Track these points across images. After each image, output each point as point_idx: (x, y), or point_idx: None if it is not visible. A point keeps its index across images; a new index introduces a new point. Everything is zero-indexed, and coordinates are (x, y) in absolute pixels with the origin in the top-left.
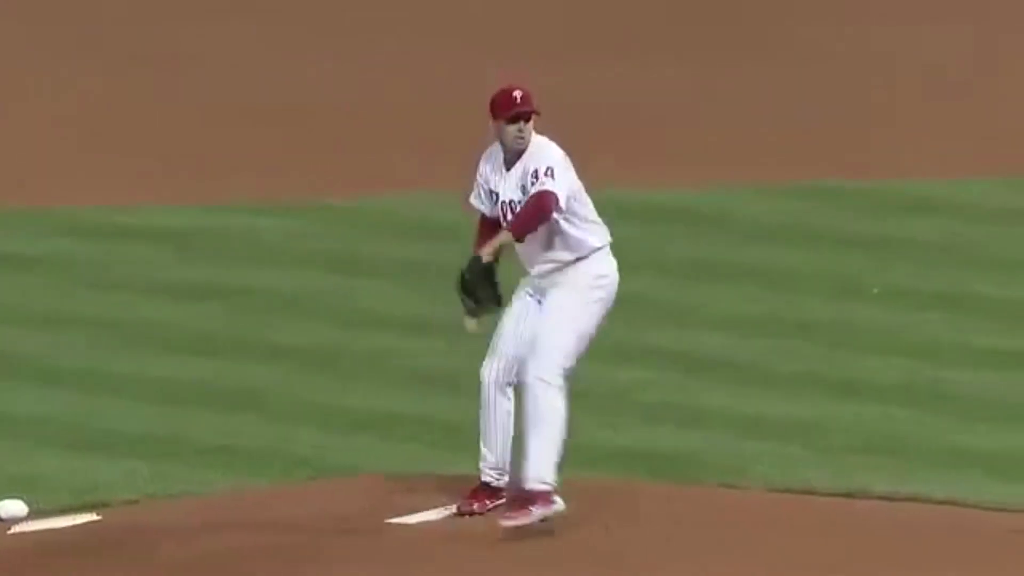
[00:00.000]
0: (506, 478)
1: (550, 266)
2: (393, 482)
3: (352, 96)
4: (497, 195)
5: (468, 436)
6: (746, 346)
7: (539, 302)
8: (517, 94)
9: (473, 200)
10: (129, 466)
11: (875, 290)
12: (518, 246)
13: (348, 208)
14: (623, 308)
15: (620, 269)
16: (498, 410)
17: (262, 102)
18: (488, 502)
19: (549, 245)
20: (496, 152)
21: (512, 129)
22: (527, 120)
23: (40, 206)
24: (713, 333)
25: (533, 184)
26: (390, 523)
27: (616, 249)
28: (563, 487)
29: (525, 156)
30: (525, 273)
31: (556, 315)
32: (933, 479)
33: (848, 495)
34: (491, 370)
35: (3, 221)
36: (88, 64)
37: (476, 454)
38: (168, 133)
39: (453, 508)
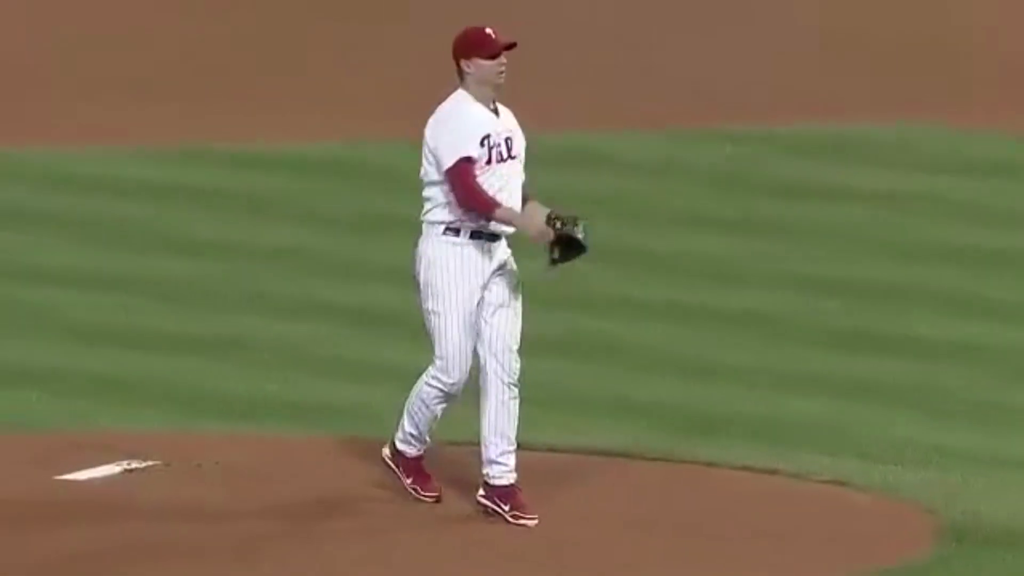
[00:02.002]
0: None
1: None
2: (59, 438)
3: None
4: (491, 137)
5: (136, 391)
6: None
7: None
8: (490, 30)
9: (475, 153)
10: None
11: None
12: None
13: (6, 157)
14: (288, 262)
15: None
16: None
17: None
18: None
19: (515, 204)
20: (473, 103)
21: (494, 64)
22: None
23: None
24: (383, 287)
25: (514, 138)
26: (58, 479)
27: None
28: (231, 442)
29: (501, 108)
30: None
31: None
32: (596, 431)
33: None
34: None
35: None
36: None
37: (147, 407)
38: None
39: (124, 464)
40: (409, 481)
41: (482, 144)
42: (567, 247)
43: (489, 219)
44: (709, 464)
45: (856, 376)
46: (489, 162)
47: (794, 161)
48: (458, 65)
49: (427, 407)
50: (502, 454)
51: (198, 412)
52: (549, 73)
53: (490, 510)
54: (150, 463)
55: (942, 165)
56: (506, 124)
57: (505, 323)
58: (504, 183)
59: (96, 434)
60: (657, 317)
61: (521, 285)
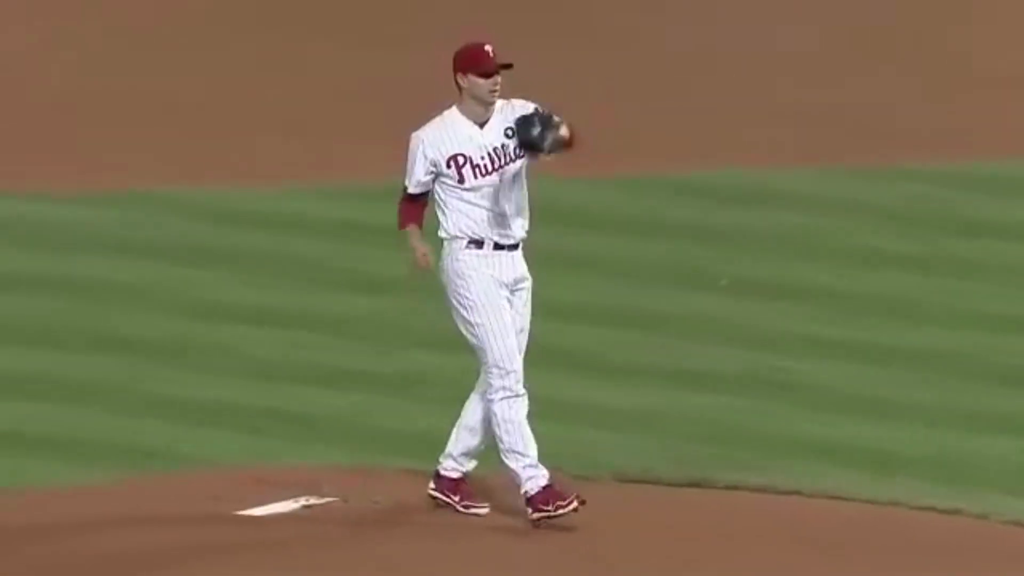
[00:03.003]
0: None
1: (520, 234)
2: (241, 474)
3: (187, 85)
4: (465, 157)
5: (316, 428)
6: (593, 337)
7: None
8: (489, 48)
9: (415, 189)
10: None
11: (723, 282)
12: (493, 210)
13: (182, 197)
14: None
15: None
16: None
17: (106, 88)
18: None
19: (519, 211)
20: (452, 122)
21: (488, 83)
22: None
23: None
24: (560, 324)
25: (509, 135)
26: (238, 515)
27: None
28: (409, 479)
29: (496, 112)
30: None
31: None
32: (776, 469)
33: (694, 485)
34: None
35: None
36: None
37: (326, 444)
38: (9, 119)
39: (303, 500)
40: (550, 507)
41: (448, 165)
42: (523, 143)
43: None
44: (892, 503)
45: None
46: (461, 181)
47: (976, 198)
48: (456, 80)
49: (512, 422)
50: (465, 453)
51: (376, 448)
52: (729, 111)
53: (440, 501)
54: (328, 499)
55: None
56: (495, 131)
57: (519, 344)
58: (482, 196)
59: (275, 470)
60: (837, 355)
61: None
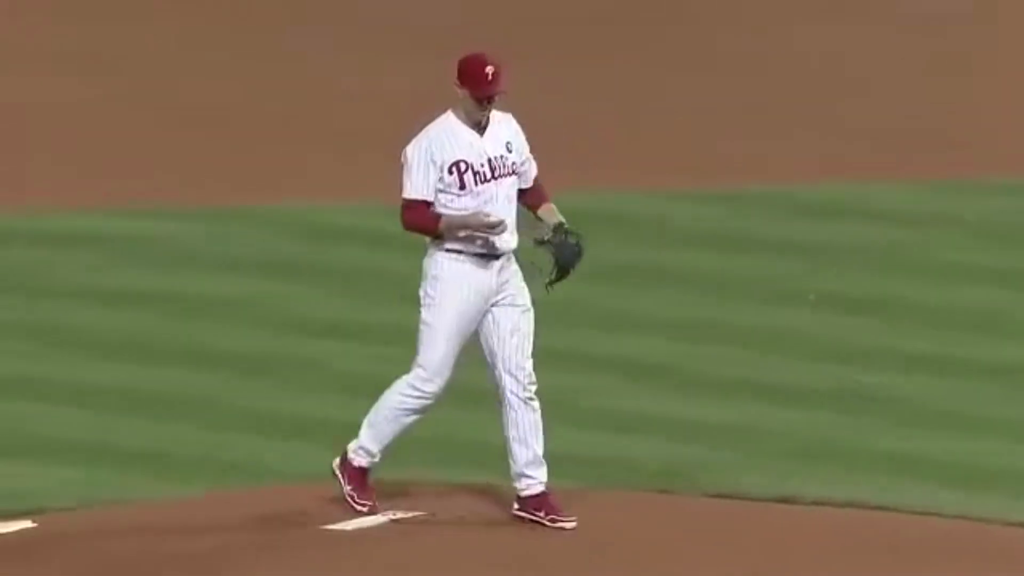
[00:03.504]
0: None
1: (507, 246)
2: (327, 489)
3: (274, 97)
4: (467, 164)
5: (403, 442)
6: (680, 351)
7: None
8: (490, 70)
9: (424, 196)
10: (63, 473)
11: (811, 296)
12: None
13: (272, 212)
14: (558, 313)
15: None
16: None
17: (194, 105)
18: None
19: (510, 222)
20: (453, 128)
21: (478, 104)
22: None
23: None
24: (647, 338)
25: (510, 149)
26: (325, 529)
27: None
28: (496, 493)
29: (495, 121)
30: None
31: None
32: (866, 484)
33: (782, 501)
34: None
35: None
36: (5, 67)
37: (414, 458)
38: (93, 136)
39: (390, 514)
40: (348, 489)
41: (451, 172)
42: (561, 269)
43: (438, 236)
44: (980, 520)
45: None
46: (463, 187)
47: None
48: (455, 85)
49: (396, 420)
50: (527, 464)
51: (462, 462)
52: (816, 127)
53: (527, 520)
54: (416, 513)
55: None
56: (496, 141)
57: (518, 345)
58: (485, 200)
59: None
60: (924, 369)
61: (529, 298)
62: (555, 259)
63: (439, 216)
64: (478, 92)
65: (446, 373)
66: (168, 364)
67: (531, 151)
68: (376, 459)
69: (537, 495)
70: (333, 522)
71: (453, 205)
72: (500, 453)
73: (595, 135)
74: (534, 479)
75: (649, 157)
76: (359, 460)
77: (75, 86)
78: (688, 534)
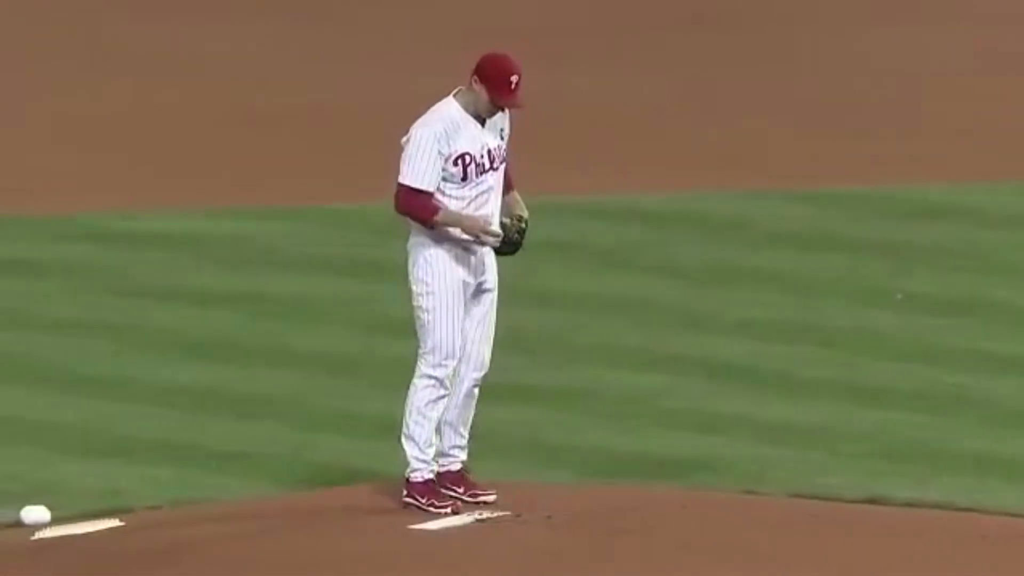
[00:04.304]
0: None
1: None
2: None
3: (364, 98)
4: (470, 156)
5: (488, 441)
6: (766, 352)
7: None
8: (514, 79)
9: (424, 185)
10: (150, 472)
11: (898, 296)
12: (479, 210)
13: (357, 212)
14: (639, 313)
15: (633, 272)
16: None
17: (274, 105)
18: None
19: (496, 212)
20: (458, 118)
21: (492, 108)
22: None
23: (56, 212)
24: (732, 339)
25: (503, 137)
26: (412, 529)
27: (630, 252)
28: (580, 493)
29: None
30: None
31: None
32: (955, 486)
33: (870, 502)
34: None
35: (20, 228)
36: (101, 68)
37: (499, 458)
38: (180, 137)
39: (476, 514)
40: (424, 502)
41: (456, 164)
42: (499, 250)
43: (432, 226)
44: None
45: None
46: (465, 178)
47: None
48: (472, 75)
49: (427, 418)
50: (453, 447)
51: (549, 462)
52: (903, 127)
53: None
54: (501, 513)
55: None
56: (493, 132)
57: (482, 336)
58: (484, 190)
59: None
60: (1013, 370)
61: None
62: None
63: (437, 209)
64: (499, 100)
65: (457, 353)
66: (255, 364)
67: (613, 153)
68: (434, 465)
69: (456, 471)
70: (419, 522)
71: (452, 194)
72: (586, 453)
73: (677, 136)
74: (455, 458)
75: (732, 157)
76: (420, 475)
77: (154, 88)
78: (774, 535)
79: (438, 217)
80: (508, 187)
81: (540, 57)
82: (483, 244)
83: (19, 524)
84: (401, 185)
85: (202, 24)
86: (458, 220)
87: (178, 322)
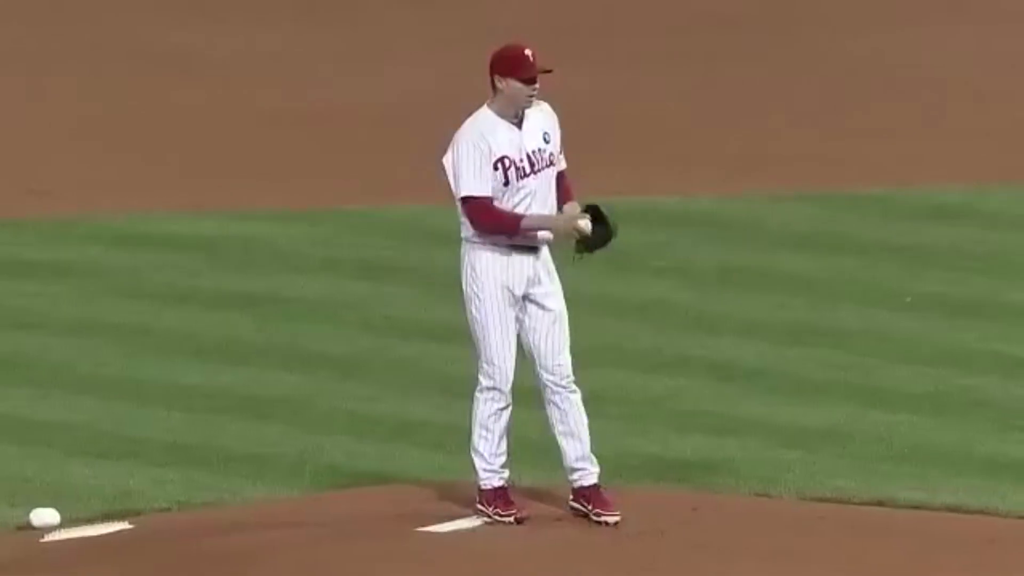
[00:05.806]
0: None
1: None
2: (424, 490)
3: (375, 101)
4: (509, 160)
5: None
6: (777, 354)
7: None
8: (529, 52)
9: (488, 192)
10: (160, 474)
11: (908, 299)
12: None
13: (370, 214)
14: (649, 315)
15: (643, 274)
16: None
17: (286, 108)
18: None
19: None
20: (492, 123)
21: (527, 88)
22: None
23: (69, 214)
24: (743, 341)
25: (547, 140)
26: (420, 531)
27: (640, 254)
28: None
29: (529, 113)
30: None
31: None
32: (965, 488)
33: (880, 504)
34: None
35: (32, 230)
36: (112, 70)
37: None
38: (193, 140)
39: (485, 517)
40: (492, 510)
41: (496, 168)
42: (593, 241)
43: (519, 234)
44: None
45: None
46: (507, 183)
47: None
48: (492, 80)
49: (491, 430)
50: (578, 459)
51: (559, 464)
52: (917, 129)
53: (579, 512)
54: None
55: None
56: (533, 134)
57: (554, 339)
58: (525, 195)
59: (459, 486)
60: None
61: (561, 286)
62: (585, 237)
63: (518, 216)
64: (524, 74)
65: (510, 362)
66: (266, 366)
67: (622, 154)
68: (504, 473)
69: (589, 486)
70: (429, 524)
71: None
72: (596, 455)
73: (688, 138)
74: (586, 470)
75: (743, 159)
76: (490, 483)
77: (178, 90)
78: (785, 537)
79: (523, 223)
80: (567, 198)
81: (540, 57)
82: (535, 241)
83: (29, 526)
84: (464, 200)
85: (220, 25)
86: (545, 221)
87: (190, 324)
